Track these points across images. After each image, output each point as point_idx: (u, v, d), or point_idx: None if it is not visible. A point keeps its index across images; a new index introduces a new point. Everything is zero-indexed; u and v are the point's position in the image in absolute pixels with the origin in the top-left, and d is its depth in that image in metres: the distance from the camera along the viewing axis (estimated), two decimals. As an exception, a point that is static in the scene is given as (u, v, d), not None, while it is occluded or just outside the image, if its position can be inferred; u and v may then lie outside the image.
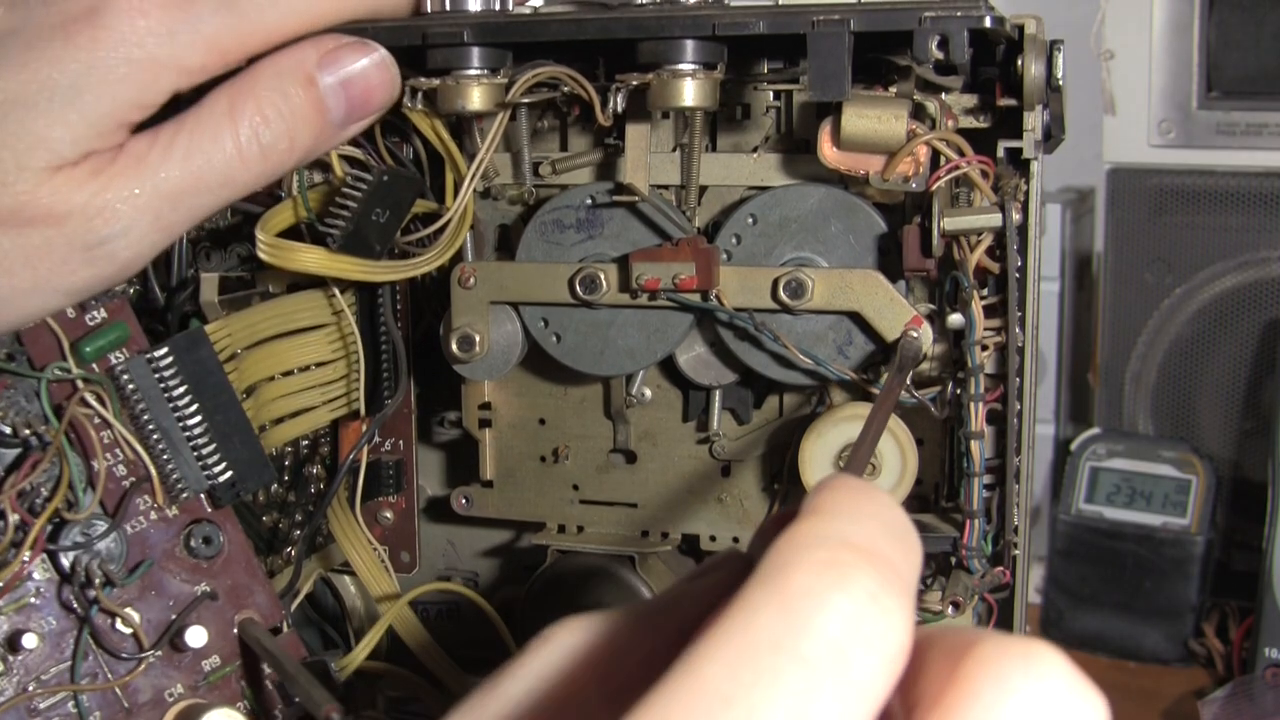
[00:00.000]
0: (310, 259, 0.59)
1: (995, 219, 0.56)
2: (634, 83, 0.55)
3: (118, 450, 0.58)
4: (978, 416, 0.57)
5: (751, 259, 0.61)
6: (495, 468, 0.68)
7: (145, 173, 0.50)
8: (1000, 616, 0.62)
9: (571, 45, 0.56)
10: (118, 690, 0.58)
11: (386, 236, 0.59)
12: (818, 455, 0.61)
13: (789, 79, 0.61)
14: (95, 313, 0.59)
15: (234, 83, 0.52)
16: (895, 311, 0.58)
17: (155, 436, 0.58)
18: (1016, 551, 0.59)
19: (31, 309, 0.52)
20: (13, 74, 0.48)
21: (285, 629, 0.61)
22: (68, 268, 0.50)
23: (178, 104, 0.51)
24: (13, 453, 0.56)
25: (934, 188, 0.56)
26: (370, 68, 0.54)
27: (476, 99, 0.57)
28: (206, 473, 0.59)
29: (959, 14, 0.51)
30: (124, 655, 0.57)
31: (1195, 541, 0.82)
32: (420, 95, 0.58)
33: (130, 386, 0.58)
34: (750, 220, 0.61)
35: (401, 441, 0.69)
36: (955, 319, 0.58)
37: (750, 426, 0.65)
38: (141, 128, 0.51)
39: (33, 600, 0.57)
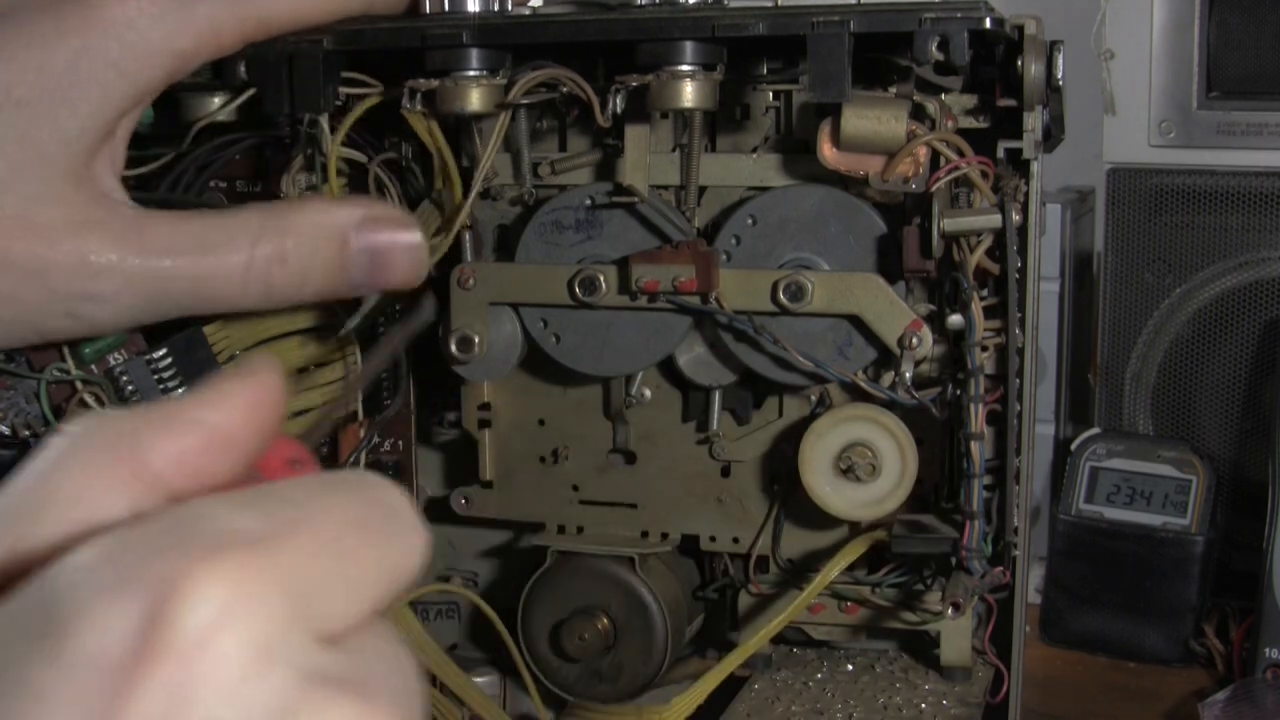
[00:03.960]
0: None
1: (995, 220, 0.56)
2: (633, 84, 0.55)
3: (117, 451, 0.58)
4: (978, 417, 0.57)
5: (751, 260, 0.61)
6: (495, 468, 0.68)
7: (146, 249, 0.49)
8: (1000, 616, 0.62)
9: (571, 46, 0.56)
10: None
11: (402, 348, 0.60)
12: (817, 456, 0.61)
13: (788, 79, 0.61)
14: (94, 314, 0.58)
15: (270, 210, 0.51)
16: (895, 315, 0.58)
17: (154, 438, 0.58)
18: (1016, 552, 0.59)
19: (5, 340, 0.51)
20: (2, 66, 0.47)
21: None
22: (43, 316, 0.49)
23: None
24: (12, 454, 0.56)
25: (934, 188, 0.56)
26: (402, 247, 0.53)
27: (476, 100, 0.57)
28: (206, 474, 0.59)
29: (959, 15, 0.51)
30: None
31: (1195, 541, 0.82)
32: (419, 96, 0.58)
33: (129, 388, 0.58)
34: (750, 221, 0.61)
35: (401, 442, 0.69)
36: (955, 320, 0.58)
37: (750, 427, 0.65)
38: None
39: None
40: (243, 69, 0.58)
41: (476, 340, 0.63)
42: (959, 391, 0.58)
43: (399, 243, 0.54)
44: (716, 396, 0.64)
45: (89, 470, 0.26)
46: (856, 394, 0.61)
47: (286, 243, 0.51)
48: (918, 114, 0.57)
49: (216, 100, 0.62)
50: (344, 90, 0.59)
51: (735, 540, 0.66)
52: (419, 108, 0.58)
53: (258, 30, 0.51)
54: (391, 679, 0.26)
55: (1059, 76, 0.56)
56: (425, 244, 0.55)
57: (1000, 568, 0.59)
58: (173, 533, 0.24)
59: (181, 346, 0.59)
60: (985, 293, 0.58)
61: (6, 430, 0.56)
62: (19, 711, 0.22)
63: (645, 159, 0.61)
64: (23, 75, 0.47)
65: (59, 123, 0.47)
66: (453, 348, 0.63)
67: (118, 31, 0.48)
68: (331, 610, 0.25)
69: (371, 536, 0.27)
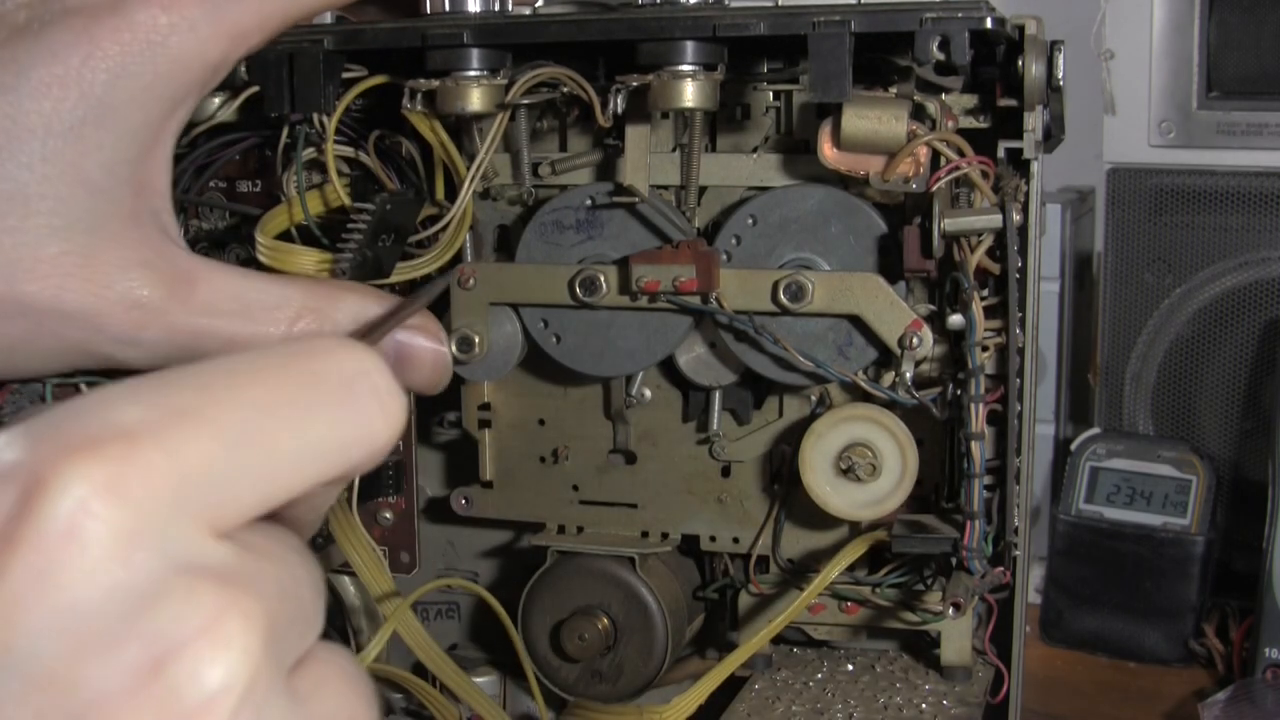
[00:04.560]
0: (309, 261, 0.58)
1: (995, 220, 0.56)
2: (634, 84, 0.55)
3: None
4: (978, 418, 0.57)
5: (751, 260, 0.61)
6: (495, 468, 0.68)
7: (192, 304, 0.48)
8: (1000, 616, 0.63)
9: (571, 46, 0.56)
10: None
11: (395, 258, 0.59)
12: (818, 456, 0.61)
13: (789, 79, 0.61)
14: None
15: (315, 290, 0.51)
16: (895, 315, 0.58)
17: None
18: (1016, 552, 0.59)
19: (37, 371, 0.51)
20: (43, 94, 0.45)
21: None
22: (80, 355, 0.48)
23: None
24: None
25: (934, 188, 0.56)
26: (430, 354, 0.55)
27: (476, 100, 0.57)
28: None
29: (960, 15, 0.51)
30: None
31: (1195, 541, 0.82)
32: (420, 96, 0.57)
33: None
34: (750, 221, 0.61)
35: (401, 442, 0.69)
36: (955, 320, 0.58)
37: (750, 427, 0.65)
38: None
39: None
40: (243, 69, 0.58)
41: (477, 340, 0.63)
42: (959, 391, 0.58)
43: (427, 350, 0.55)
44: (717, 396, 0.64)
45: None
46: (857, 394, 0.61)
47: (324, 327, 0.51)
48: (918, 114, 0.57)
49: (216, 101, 0.62)
50: (343, 77, 0.59)
51: (735, 540, 0.66)
52: (419, 108, 0.58)
53: (282, 25, 0.50)
54: (280, 582, 0.26)
55: (1059, 76, 0.56)
56: (450, 356, 0.57)
57: (1000, 568, 0.59)
58: (51, 424, 0.24)
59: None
60: (985, 293, 0.58)
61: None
62: None
63: (646, 159, 0.61)
64: (62, 104, 0.45)
65: (104, 152, 0.46)
66: (453, 348, 0.63)
67: (152, 51, 0.46)
68: (227, 499, 0.25)
69: (298, 415, 0.26)
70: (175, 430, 0.25)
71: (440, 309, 0.63)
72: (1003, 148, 0.58)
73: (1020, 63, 0.55)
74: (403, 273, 0.60)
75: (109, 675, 0.23)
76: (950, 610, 0.58)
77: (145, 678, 0.23)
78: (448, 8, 0.56)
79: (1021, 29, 0.55)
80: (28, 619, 0.23)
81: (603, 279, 0.61)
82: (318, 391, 0.27)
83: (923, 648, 0.68)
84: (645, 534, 0.67)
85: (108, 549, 0.23)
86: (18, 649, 0.23)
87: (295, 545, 0.27)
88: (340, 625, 0.72)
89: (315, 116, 0.59)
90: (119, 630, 0.23)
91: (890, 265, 0.59)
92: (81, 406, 0.25)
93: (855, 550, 0.61)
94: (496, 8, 0.57)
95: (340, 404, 0.27)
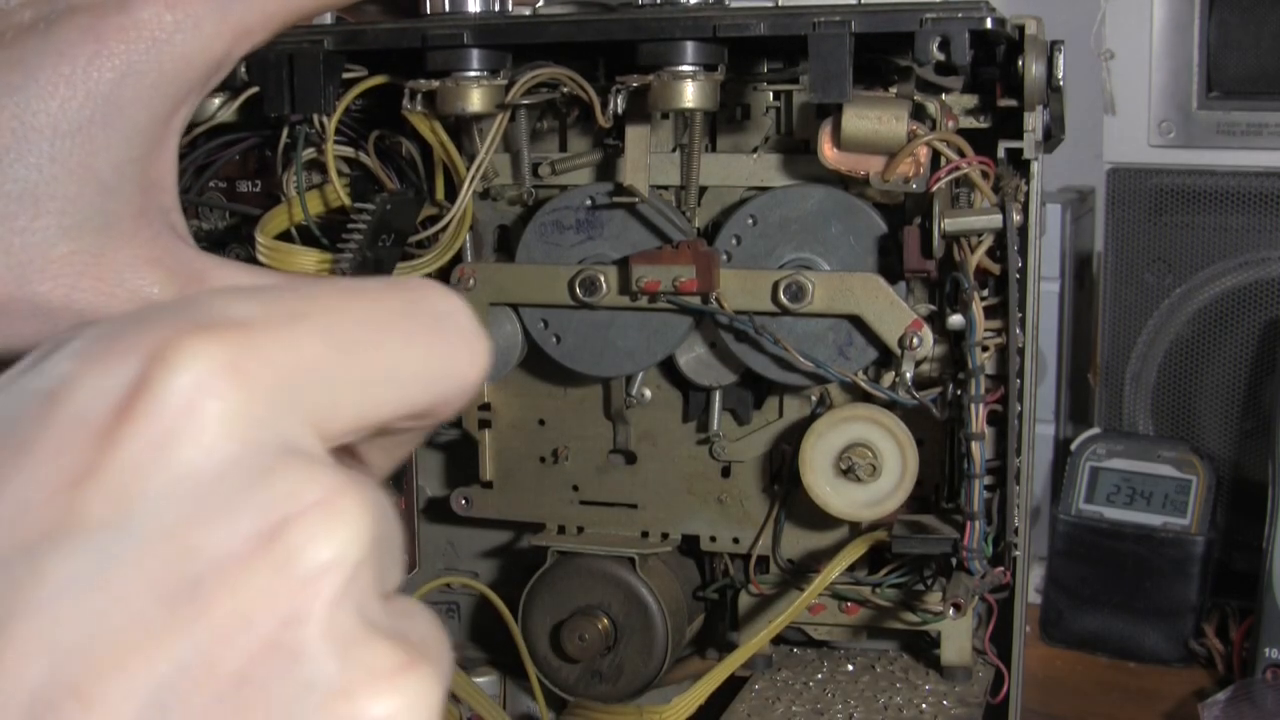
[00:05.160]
0: (309, 261, 0.58)
1: (996, 220, 0.56)
2: (634, 84, 0.55)
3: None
4: (978, 418, 0.57)
5: (752, 260, 0.61)
6: (495, 468, 0.68)
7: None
8: (1000, 616, 0.62)
9: (571, 47, 0.56)
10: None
11: (395, 258, 0.59)
12: (818, 456, 0.61)
13: (789, 79, 0.61)
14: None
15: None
16: (895, 315, 0.58)
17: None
18: (1016, 552, 0.59)
19: None
20: (50, 93, 0.44)
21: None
22: None
23: None
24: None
25: (934, 188, 0.56)
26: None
27: (476, 100, 0.57)
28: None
29: (960, 15, 0.51)
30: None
31: (1195, 541, 0.82)
32: (420, 97, 0.57)
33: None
34: (750, 221, 0.61)
35: (401, 442, 0.69)
36: (956, 320, 0.58)
37: (750, 427, 0.65)
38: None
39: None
40: (243, 69, 0.58)
41: (477, 340, 0.62)
42: (959, 392, 0.58)
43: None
44: (717, 397, 0.64)
45: None
46: (857, 394, 0.61)
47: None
48: (918, 114, 0.57)
49: (216, 101, 0.62)
50: (343, 78, 0.59)
51: (735, 540, 0.66)
52: (419, 108, 0.58)
53: (285, 23, 0.50)
54: (380, 503, 0.26)
55: (1059, 76, 0.56)
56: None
57: (1000, 568, 0.59)
58: (168, 311, 0.25)
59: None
60: (986, 293, 0.58)
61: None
62: (3, 462, 0.24)
63: (646, 159, 0.61)
64: (70, 103, 0.45)
65: (112, 151, 0.46)
66: (453, 348, 0.63)
67: (158, 49, 0.46)
68: (332, 404, 0.26)
69: (396, 338, 0.27)
70: (290, 328, 0.25)
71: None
72: (1003, 148, 0.58)
73: (1020, 63, 0.55)
74: (403, 273, 0.60)
75: (223, 541, 0.24)
76: (950, 611, 0.58)
77: (259, 544, 0.24)
78: (448, 8, 0.56)
79: (1021, 29, 0.55)
80: (146, 486, 0.24)
81: (603, 279, 0.61)
82: (414, 320, 0.28)
83: (923, 648, 0.68)
84: (645, 534, 0.67)
85: (226, 425, 0.24)
86: (135, 514, 0.24)
87: (380, 491, 0.28)
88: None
89: (315, 117, 0.59)
90: (235, 500, 0.24)
91: (890, 265, 0.59)
92: (198, 299, 0.26)
93: (855, 550, 0.61)
94: (496, 8, 0.57)
95: (433, 335, 0.28)
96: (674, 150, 0.63)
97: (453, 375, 0.28)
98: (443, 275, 0.64)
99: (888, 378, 0.60)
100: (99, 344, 0.25)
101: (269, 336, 0.25)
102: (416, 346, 0.28)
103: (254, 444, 0.24)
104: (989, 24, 0.51)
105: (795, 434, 0.63)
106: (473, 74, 0.56)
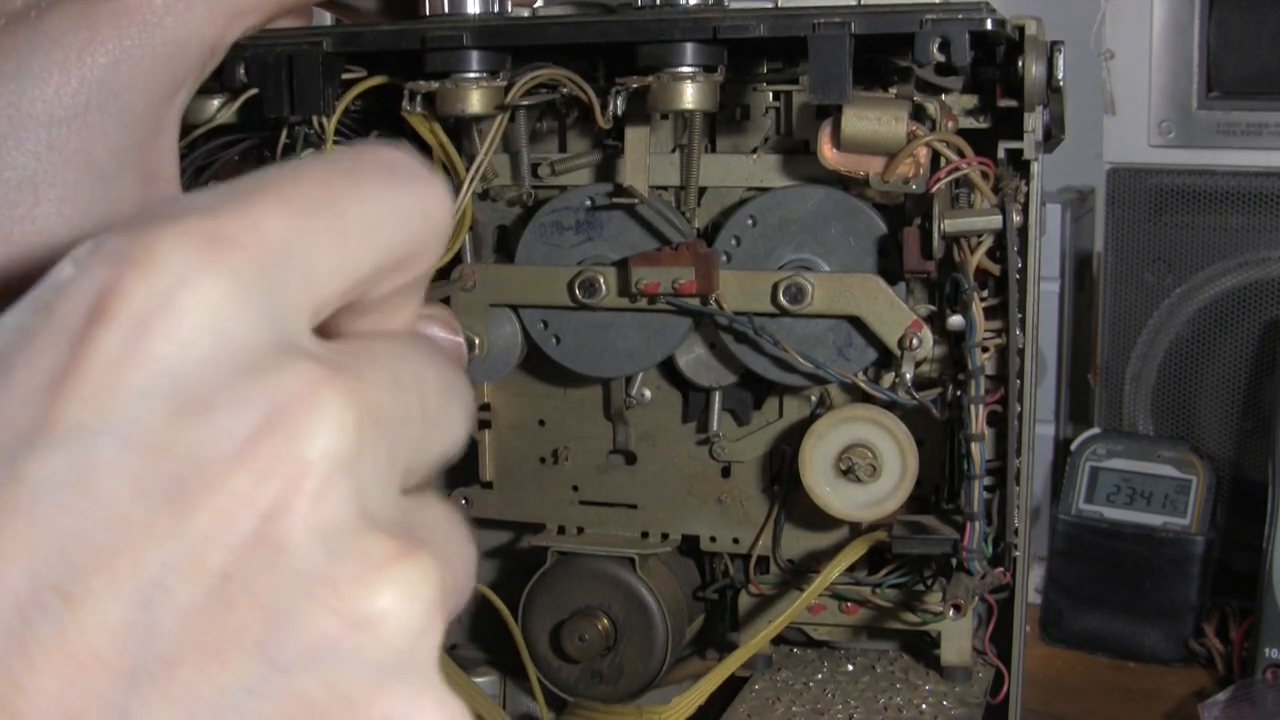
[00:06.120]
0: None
1: (995, 220, 0.56)
2: (634, 85, 0.55)
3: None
4: (978, 419, 0.57)
5: (751, 260, 0.61)
6: (495, 468, 0.68)
7: None
8: (1000, 617, 0.62)
9: (571, 48, 0.56)
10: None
11: None
12: (818, 456, 0.61)
13: (788, 79, 0.61)
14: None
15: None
16: (895, 316, 0.58)
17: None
18: (1016, 552, 0.59)
19: None
20: (44, 81, 0.45)
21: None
22: None
23: None
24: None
25: (934, 189, 0.56)
26: (448, 343, 0.55)
27: (476, 102, 0.57)
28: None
29: (960, 16, 0.51)
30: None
31: (1195, 541, 0.82)
32: (419, 98, 0.57)
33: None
34: (750, 222, 0.61)
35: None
36: (955, 321, 0.58)
37: (750, 428, 0.65)
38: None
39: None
40: (242, 70, 0.58)
41: (477, 341, 0.63)
42: (959, 392, 0.58)
43: (443, 341, 0.55)
44: (717, 397, 0.64)
45: None
46: (857, 395, 0.61)
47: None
48: (918, 115, 0.57)
49: (215, 102, 0.61)
50: (342, 79, 0.59)
51: (735, 541, 0.66)
52: (419, 109, 0.58)
53: (278, 7, 0.50)
54: (393, 374, 0.26)
55: (1059, 77, 0.56)
56: (466, 347, 0.56)
57: (1000, 568, 0.59)
58: (137, 216, 0.25)
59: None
60: (986, 293, 0.58)
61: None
62: None
63: (645, 160, 0.61)
64: (64, 90, 0.45)
65: (110, 138, 0.46)
66: (453, 348, 0.63)
67: (149, 34, 0.46)
68: (309, 270, 0.26)
69: (355, 191, 0.27)
70: (249, 206, 0.26)
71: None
72: (1003, 148, 0.58)
73: (1020, 63, 0.55)
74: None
75: (204, 438, 0.23)
76: (950, 611, 0.58)
77: (241, 440, 0.23)
78: (447, 9, 0.56)
79: (1021, 29, 0.55)
80: (122, 385, 0.23)
81: (602, 280, 0.61)
82: (367, 172, 0.28)
83: (923, 648, 0.68)
84: (645, 534, 0.67)
85: (201, 319, 0.24)
86: (114, 414, 0.23)
87: (407, 345, 0.28)
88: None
89: (314, 118, 0.59)
90: (215, 396, 0.24)
91: (890, 266, 0.59)
92: (161, 205, 0.26)
93: (855, 551, 0.61)
94: (496, 9, 0.57)
95: (390, 179, 0.28)
96: (673, 151, 0.63)
97: (420, 213, 0.28)
98: (442, 276, 0.64)
99: (887, 378, 0.60)
100: (85, 253, 0.25)
101: (233, 219, 0.25)
102: (377, 193, 0.28)
103: (232, 337, 0.24)
104: (989, 25, 0.51)
105: (795, 435, 0.63)
106: (472, 75, 0.56)
